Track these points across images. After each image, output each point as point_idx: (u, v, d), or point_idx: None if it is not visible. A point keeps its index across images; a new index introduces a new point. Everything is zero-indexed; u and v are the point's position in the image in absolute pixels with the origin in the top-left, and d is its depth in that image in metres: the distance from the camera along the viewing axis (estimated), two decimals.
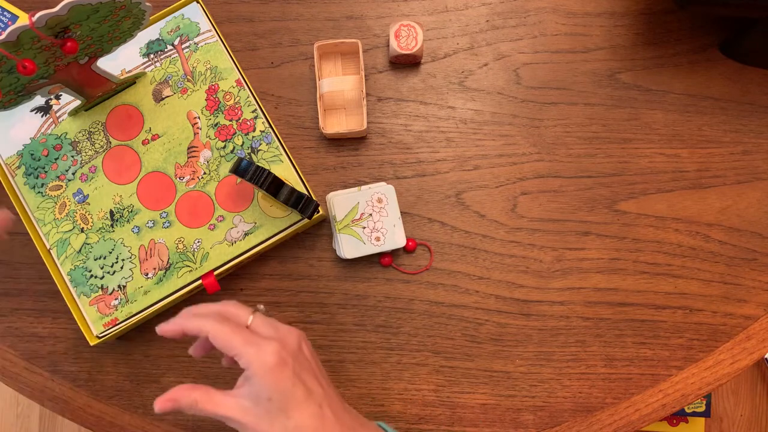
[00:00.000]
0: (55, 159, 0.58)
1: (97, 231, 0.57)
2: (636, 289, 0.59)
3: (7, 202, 0.60)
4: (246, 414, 0.41)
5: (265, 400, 0.41)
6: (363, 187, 0.58)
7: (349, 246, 0.57)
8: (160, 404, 0.41)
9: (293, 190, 0.52)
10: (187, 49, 0.59)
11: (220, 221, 0.57)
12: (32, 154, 0.58)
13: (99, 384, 0.60)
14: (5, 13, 0.60)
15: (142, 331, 0.60)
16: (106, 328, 0.56)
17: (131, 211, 0.57)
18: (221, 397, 0.42)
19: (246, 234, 0.57)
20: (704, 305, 0.59)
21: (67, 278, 0.57)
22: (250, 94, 0.59)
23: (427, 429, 0.59)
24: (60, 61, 0.48)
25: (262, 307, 0.47)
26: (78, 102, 0.57)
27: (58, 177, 0.58)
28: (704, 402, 1.17)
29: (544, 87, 0.61)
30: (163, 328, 0.44)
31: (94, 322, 0.57)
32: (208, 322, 0.42)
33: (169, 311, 0.59)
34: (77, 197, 0.57)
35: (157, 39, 0.59)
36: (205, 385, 0.43)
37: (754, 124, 0.60)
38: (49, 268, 0.57)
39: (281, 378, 0.41)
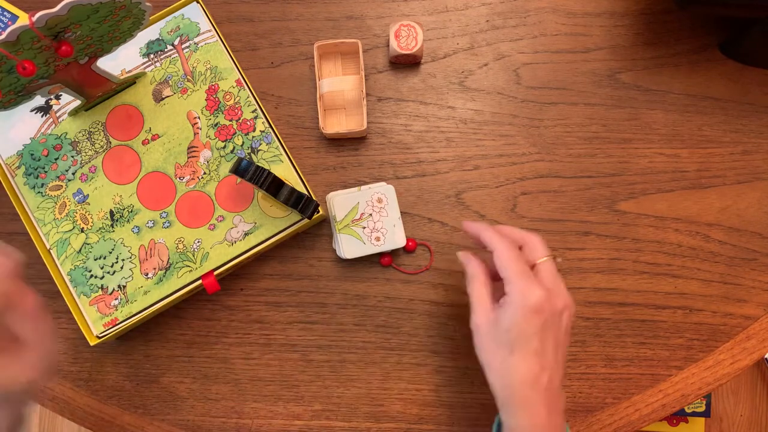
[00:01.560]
0: (55, 159, 0.58)
1: (97, 231, 0.57)
2: (636, 289, 0.59)
3: (7, 202, 0.60)
4: (486, 325, 0.44)
5: (504, 329, 0.43)
6: (363, 187, 0.58)
7: (349, 246, 0.57)
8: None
9: (293, 190, 0.52)
10: (187, 49, 0.59)
11: (220, 221, 0.57)
12: (32, 154, 0.58)
13: (99, 384, 0.60)
14: (5, 13, 0.60)
15: (142, 331, 0.60)
16: (106, 328, 0.56)
17: (131, 211, 0.57)
18: (486, 296, 0.46)
19: (246, 234, 0.57)
20: (704, 305, 0.59)
21: (67, 278, 0.57)
22: (250, 94, 0.59)
23: (427, 429, 0.59)
24: (60, 61, 0.48)
25: (560, 259, 0.48)
26: (78, 102, 0.57)
27: (58, 177, 0.58)
28: (704, 402, 1.17)
29: (544, 87, 0.61)
30: (469, 225, 0.49)
31: (94, 322, 0.57)
32: (499, 242, 0.45)
33: (169, 311, 0.59)
34: (77, 197, 0.57)
35: (157, 39, 0.59)
36: (489, 278, 0.46)
37: (754, 124, 0.60)
38: (49, 268, 0.57)
39: (528, 320, 0.43)
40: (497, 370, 0.44)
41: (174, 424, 0.59)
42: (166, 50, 0.59)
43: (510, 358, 0.43)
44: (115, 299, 0.57)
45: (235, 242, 0.57)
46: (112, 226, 0.57)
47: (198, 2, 0.59)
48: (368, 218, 0.57)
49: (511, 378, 0.43)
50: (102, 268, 0.57)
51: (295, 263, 0.60)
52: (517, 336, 0.43)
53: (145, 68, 0.59)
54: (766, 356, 1.20)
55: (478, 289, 0.46)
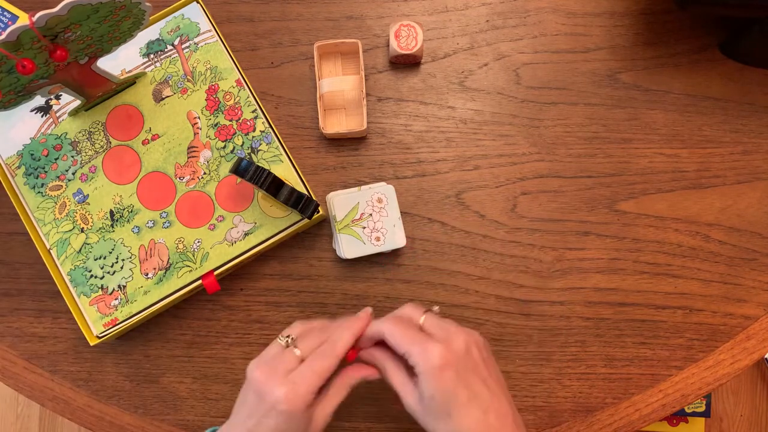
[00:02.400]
0: (55, 159, 0.58)
1: (97, 231, 0.57)
2: (636, 289, 0.59)
3: (7, 202, 0.60)
4: (417, 405, 0.44)
5: (429, 398, 0.43)
6: (363, 187, 0.58)
7: (349, 246, 0.57)
8: (366, 343, 0.48)
9: (293, 190, 0.52)
10: (187, 49, 0.59)
11: (220, 221, 0.57)
12: (32, 154, 0.58)
13: (99, 384, 0.60)
14: (5, 13, 0.60)
15: (142, 331, 0.60)
16: (106, 328, 0.56)
17: (131, 211, 0.57)
18: (405, 379, 0.45)
19: (246, 234, 0.57)
20: (704, 305, 0.59)
21: (67, 278, 0.57)
22: (250, 94, 0.59)
23: None
24: (59, 61, 0.48)
25: (436, 308, 0.49)
26: (78, 102, 0.57)
27: (58, 177, 0.58)
28: (704, 402, 1.17)
29: (544, 87, 0.61)
30: (361, 345, 0.48)
31: (94, 322, 0.57)
32: (384, 324, 0.46)
33: (169, 311, 0.59)
34: (77, 197, 0.57)
35: (157, 39, 0.59)
36: (397, 362, 0.46)
37: (754, 124, 0.60)
38: (49, 268, 0.57)
39: (443, 379, 0.42)
40: None
41: (174, 424, 0.59)
42: (166, 50, 0.59)
43: (451, 421, 0.42)
44: (115, 299, 0.57)
45: (235, 242, 0.57)
46: (112, 226, 0.57)
47: (198, 2, 0.59)
48: (368, 218, 0.57)
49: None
50: (102, 268, 0.57)
51: (295, 263, 0.60)
52: (443, 399, 0.42)
53: (145, 68, 0.59)
54: (766, 356, 1.20)
55: (395, 375, 0.46)
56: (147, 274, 0.57)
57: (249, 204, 0.57)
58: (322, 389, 0.45)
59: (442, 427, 0.43)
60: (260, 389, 0.44)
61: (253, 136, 0.58)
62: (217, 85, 0.58)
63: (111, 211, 0.57)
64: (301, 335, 0.48)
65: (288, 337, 0.47)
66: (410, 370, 0.45)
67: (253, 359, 0.46)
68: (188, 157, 0.58)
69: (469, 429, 0.42)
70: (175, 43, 0.59)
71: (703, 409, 1.17)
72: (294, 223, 0.57)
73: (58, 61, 0.45)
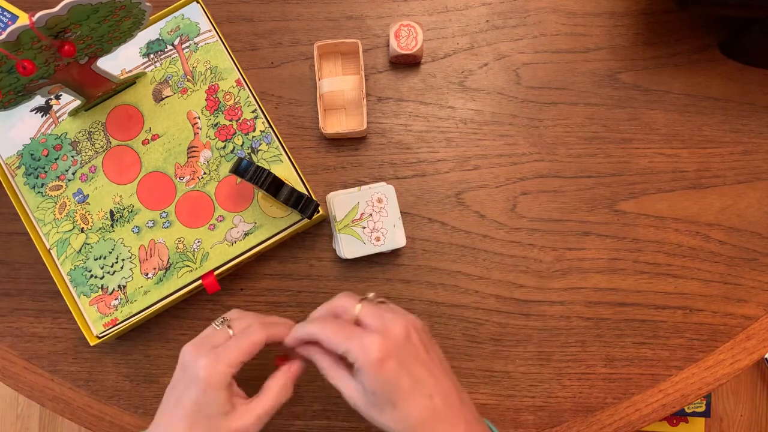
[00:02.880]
0: (55, 159, 0.58)
1: (97, 231, 0.57)
2: (636, 289, 0.59)
3: (7, 202, 0.60)
4: (360, 399, 0.43)
5: (371, 393, 0.42)
6: (363, 187, 0.58)
7: (349, 246, 0.57)
8: (294, 342, 0.46)
9: (293, 190, 0.52)
10: (187, 49, 0.59)
11: (220, 221, 0.57)
12: (32, 154, 0.58)
13: (99, 384, 0.60)
14: (5, 13, 0.60)
15: (142, 331, 0.60)
16: (106, 328, 0.56)
17: (131, 211, 0.57)
18: (345, 375, 0.44)
19: (246, 234, 0.57)
20: (704, 305, 0.59)
21: (67, 278, 0.57)
22: (250, 94, 0.59)
23: None
24: (60, 61, 0.48)
25: (371, 294, 0.47)
26: (78, 102, 0.57)
27: (58, 177, 0.58)
28: (704, 402, 1.17)
29: (544, 87, 0.61)
30: (288, 343, 0.47)
31: (94, 322, 0.57)
32: (315, 327, 0.45)
33: (169, 311, 0.59)
34: (77, 197, 0.57)
35: (157, 39, 0.59)
36: (334, 358, 0.45)
37: (754, 124, 0.60)
38: (49, 268, 0.57)
39: (383, 371, 0.41)
40: (396, 429, 0.42)
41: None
42: (166, 50, 0.59)
43: (396, 411, 0.42)
44: (115, 299, 0.57)
45: (235, 242, 0.57)
46: (112, 226, 0.57)
47: (198, 2, 0.59)
48: (368, 218, 0.57)
49: (409, 426, 0.42)
50: (102, 268, 0.57)
51: (295, 263, 0.60)
52: (386, 390, 0.41)
53: (145, 68, 0.59)
54: (766, 356, 1.20)
55: (333, 372, 0.45)
56: (147, 274, 0.57)
57: (249, 204, 0.57)
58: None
59: (387, 417, 0.42)
60: (186, 361, 0.45)
61: (253, 136, 0.58)
62: (217, 85, 0.58)
63: (111, 211, 0.57)
64: (236, 318, 0.48)
65: (223, 318, 0.48)
66: (348, 363, 0.44)
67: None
68: (188, 157, 0.58)
69: (415, 416, 0.42)
70: (175, 43, 0.59)
71: (703, 409, 1.17)
72: (294, 223, 0.57)
73: (67, 56, 0.45)
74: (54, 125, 0.58)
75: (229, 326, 0.47)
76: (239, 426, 0.44)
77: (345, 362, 0.44)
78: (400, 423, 0.42)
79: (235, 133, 0.58)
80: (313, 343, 0.46)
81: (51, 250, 0.57)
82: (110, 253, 0.57)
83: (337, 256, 0.59)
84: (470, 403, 0.45)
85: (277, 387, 0.46)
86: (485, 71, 0.61)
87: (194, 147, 0.58)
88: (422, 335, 0.45)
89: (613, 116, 0.60)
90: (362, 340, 0.42)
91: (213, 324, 0.48)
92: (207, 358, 0.44)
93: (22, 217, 0.57)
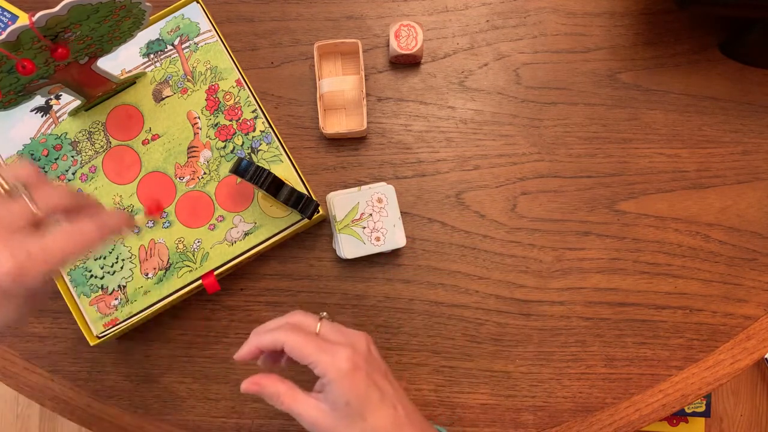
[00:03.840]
0: (55, 159, 0.58)
1: None
2: (636, 289, 0.59)
3: None
4: (325, 417, 0.42)
5: (343, 405, 0.41)
6: (363, 187, 0.58)
7: (349, 246, 0.57)
8: (246, 385, 0.43)
9: (293, 190, 0.52)
10: (187, 49, 0.59)
11: (220, 221, 0.57)
12: (32, 154, 0.58)
13: (99, 384, 0.60)
14: (5, 13, 0.60)
15: (142, 331, 0.60)
16: (106, 328, 0.56)
17: (131, 211, 0.57)
18: (303, 396, 0.43)
19: (246, 234, 0.57)
20: (704, 305, 0.59)
21: (67, 278, 0.57)
22: (250, 94, 0.59)
23: None
24: (60, 61, 0.48)
25: (325, 314, 0.47)
26: (78, 102, 0.57)
27: (58, 177, 0.58)
28: (704, 402, 1.17)
29: (544, 87, 0.61)
30: (240, 355, 0.45)
31: (94, 322, 0.57)
32: (282, 334, 0.43)
33: (169, 311, 0.59)
34: None
35: (157, 39, 0.59)
36: (291, 382, 0.44)
37: (754, 124, 0.60)
38: None
39: (356, 382, 0.42)
40: None
41: (174, 424, 0.59)
42: (166, 50, 0.59)
43: (366, 423, 0.42)
44: (115, 299, 0.57)
45: (235, 242, 0.57)
46: None
47: (198, 2, 0.59)
48: (368, 218, 0.57)
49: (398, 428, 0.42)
50: (102, 268, 0.57)
51: (295, 263, 0.60)
52: (358, 402, 0.42)
53: (145, 68, 0.59)
54: (766, 356, 1.20)
55: (292, 398, 0.43)
56: (147, 274, 0.57)
57: (249, 204, 0.57)
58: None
59: (357, 430, 0.42)
60: None
61: (253, 136, 0.58)
62: (217, 85, 0.58)
63: None
64: (32, 184, 0.37)
65: (14, 184, 0.37)
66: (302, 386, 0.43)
67: None
68: (188, 157, 0.58)
69: (383, 427, 0.42)
70: (175, 43, 0.59)
71: (703, 409, 1.17)
72: (294, 223, 0.57)
73: (60, 59, 0.45)
74: (54, 125, 0.58)
75: (29, 198, 0.35)
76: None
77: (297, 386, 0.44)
78: None
79: (235, 133, 0.58)
80: (258, 376, 0.44)
81: None
82: (110, 253, 0.57)
83: (337, 256, 0.59)
84: (419, 412, 0.47)
85: (81, 242, 0.37)
86: (485, 71, 0.61)
87: (194, 147, 0.58)
88: (376, 349, 0.46)
89: (613, 116, 0.60)
90: (332, 353, 0.42)
91: None
92: (13, 260, 0.33)
93: None
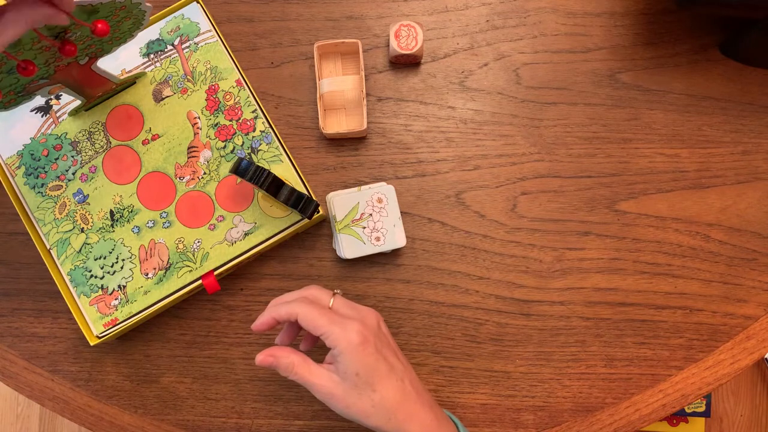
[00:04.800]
0: (55, 159, 0.58)
1: (97, 231, 0.57)
2: (636, 289, 0.59)
3: (7, 202, 0.60)
4: (336, 386, 0.45)
5: (353, 375, 0.44)
6: (363, 187, 0.58)
7: (349, 246, 0.57)
8: (262, 357, 0.46)
9: (293, 190, 0.52)
10: (187, 49, 0.59)
11: (220, 221, 0.57)
12: (32, 154, 0.58)
13: (99, 384, 0.60)
14: None
15: (142, 331, 0.60)
16: (106, 328, 0.56)
17: (131, 211, 0.57)
18: (316, 367, 0.46)
19: (246, 234, 0.57)
20: (704, 305, 0.59)
21: (67, 278, 0.57)
22: (250, 94, 0.59)
23: None
24: (60, 61, 0.48)
25: (338, 291, 0.50)
26: (78, 102, 0.57)
27: (58, 177, 0.58)
28: (704, 402, 1.17)
29: (544, 87, 0.61)
30: (257, 325, 0.48)
31: (94, 322, 0.57)
32: (296, 306, 0.46)
33: (169, 311, 0.59)
34: (77, 197, 0.57)
35: (157, 39, 0.59)
36: (304, 354, 0.47)
37: (754, 124, 0.60)
38: (49, 268, 0.57)
39: (366, 354, 0.44)
40: (374, 413, 0.45)
41: (174, 424, 0.59)
42: (166, 50, 0.59)
43: (375, 394, 0.44)
44: (115, 299, 0.57)
45: (235, 242, 0.57)
46: (112, 226, 0.57)
47: (198, 2, 0.59)
48: (368, 218, 0.57)
49: (387, 409, 0.45)
50: (102, 268, 0.57)
51: (295, 263, 0.60)
52: (367, 372, 0.44)
53: (145, 68, 0.59)
54: (766, 356, 1.20)
55: (306, 369, 0.46)
56: (147, 274, 0.57)
57: (249, 204, 0.57)
58: None
59: (366, 401, 0.44)
60: None
61: (253, 136, 0.58)
62: (217, 85, 0.58)
63: (111, 211, 0.57)
64: None
65: None
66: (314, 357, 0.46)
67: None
68: (188, 157, 0.58)
69: (392, 398, 0.45)
70: (175, 43, 0.59)
71: (703, 409, 1.17)
72: (294, 223, 0.57)
73: (68, 56, 0.45)
74: (54, 125, 0.58)
75: None
76: None
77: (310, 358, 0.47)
78: (379, 405, 0.44)
79: (235, 133, 0.58)
80: (272, 349, 0.47)
81: (51, 250, 0.57)
82: (110, 253, 0.57)
83: (337, 256, 0.59)
84: (427, 391, 0.49)
85: (23, 21, 0.38)
86: (485, 71, 0.61)
87: (194, 147, 0.58)
88: (386, 326, 0.49)
89: (613, 116, 0.60)
90: (344, 325, 0.44)
91: None
92: None
93: (22, 217, 0.57)
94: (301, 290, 0.50)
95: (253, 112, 0.58)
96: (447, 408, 0.59)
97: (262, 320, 0.48)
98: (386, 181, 0.60)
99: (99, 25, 0.45)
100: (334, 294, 0.49)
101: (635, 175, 0.60)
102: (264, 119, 0.58)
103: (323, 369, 0.46)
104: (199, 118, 0.58)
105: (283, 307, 0.47)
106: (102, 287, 0.57)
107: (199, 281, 0.57)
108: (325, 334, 0.45)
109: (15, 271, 0.60)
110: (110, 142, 0.58)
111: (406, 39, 0.58)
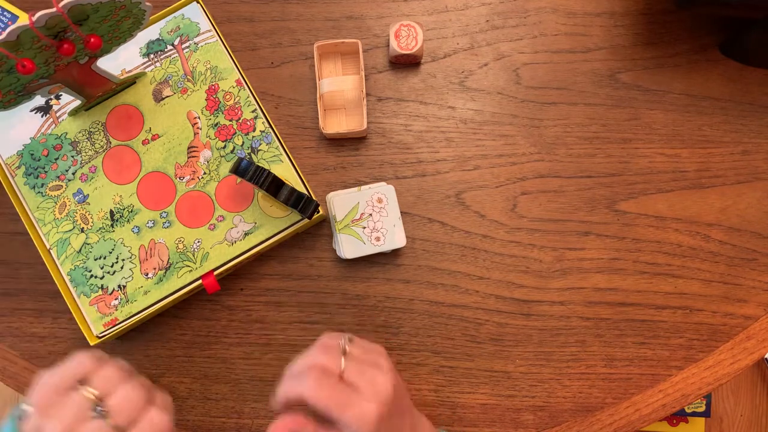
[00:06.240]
0: (55, 159, 0.58)
1: (97, 231, 0.57)
2: (636, 289, 0.59)
3: (7, 202, 0.60)
4: None
5: None
6: (363, 187, 0.58)
7: (349, 246, 0.57)
8: (283, 404, 0.43)
9: (293, 190, 0.52)
10: (187, 49, 0.59)
11: (220, 221, 0.57)
12: (32, 154, 0.58)
13: None
14: (5, 13, 0.60)
15: (142, 331, 0.60)
16: (106, 328, 0.56)
17: (131, 211, 0.57)
18: None
19: (246, 234, 0.57)
20: (704, 305, 0.59)
21: (67, 278, 0.57)
22: (250, 94, 0.59)
23: None
24: (60, 61, 0.48)
25: (345, 341, 0.45)
26: (78, 102, 0.57)
27: (58, 177, 0.58)
28: (704, 402, 1.17)
29: (544, 87, 0.61)
30: (277, 406, 0.43)
31: (94, 322, 0.57)
32: (306, 389, 0.41)
33: (169, 311, 0.59)
34: (77, 197, 0.57)
35: (157, 39, 0.59)
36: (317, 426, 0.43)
37: (754, 124, 0.60)
38: (49, 268, 0.57)
39: None
40: None
41: (174, 424, 0.59)
42: (166, 50, 0.59)
43: None
44: (115, 299, 0.57)
45: (235, 242, 0.57)
46: (112, 226, 0.57)
47: (198, 2, 0.59)
48: (368, 218, 0.57)
49: None
50: (102, 268, 0.57)
51: (295, 263, 0.60)
52: None
53: (145, 68, 0.59)
54: (766, 356, 1.20)
55: None
56: (147, 274, 0.57)
57: (249, 204, 0.57)
58: None
59: None
60: None
61: (253, 136, 0.58)
62: (217, 85, 0.58)
63: (111, 211, 0.57)
64: (106, 391, 0.40)
65: (92, 394, 0.40)
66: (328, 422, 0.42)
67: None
68: (188, 157, 0.58)
69: None
70: (175, 43, 0.59)
71: (703, 409, 1.18)
72: (294, 223, 0.57)
73: (66, 54, 0.45)
74: (54, 125, 0.58)
75: (104, 414, 0.40)
76: None
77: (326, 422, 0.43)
78: None
79: (235, 133, 0.58)
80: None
81: (51, 250, 0.57)
82: (110, 253, 0.57)
83: (337, 256, 0.59)
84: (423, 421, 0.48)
85: None
86: (485, 71, 0.61)
87: (194, 147, 0.58)
88: (397, 379, 0.45)
89: (613, 116, 0.60)
90: (360, 409, 0.41)
91: (80, 394, 0.40)
92: None
93: (22, 217, 0.57)
94: (312, 353, 0.45)
95: (253, 112, 0.58)
96: (447, 407, 0.59)
97: (280, 405, 0.43)
98: (386, 181, 0.60)
99: (92, 39, 0.45)
100: (343, 354, 0.44)
101: (635, 175, 0.60)
102: (264, 119, 0.58)
103: None
104: (199, 118, 0.58)
105: (292, 390, 0.42)
106: (102, 287, 0.57)
107: (199, 281, 0.57)
108: (335, 418, 0.41)
109: (15, 271, 0.60)
110: (110, 142, 0.58)
111: (406, 39, 0.58)
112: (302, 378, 0.42)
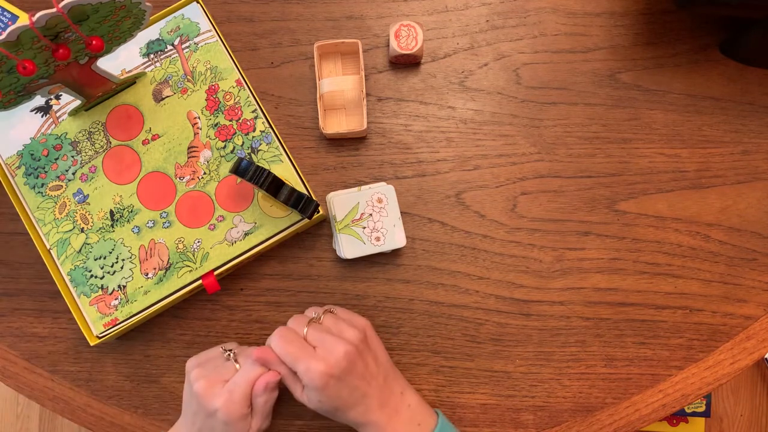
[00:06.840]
0: (55, 159, 0.58)
1: (97, 231, 0.57)
2: (636, 289, 0.59)
3: (7, 202, 0.60)
4: (309, 403, 0.50)
5: (317, 404, 0.49)
6: (363, 187, 0.58)
7: (349, 246, 0.57)
8: (259, 353, 0.51)
9: (293, 190, 0.52)
10: (187, 49, 0.59)
11: (220, 221, 0.57)
12: (32, 154, 0.58)
13: (99, 384, 0.60)
14: (5, 13, 0.60)
15: (142, 331, 0.60)
16: (106, 328, 0.56)
17: (131, 211, 0.57)
18: (300, 384, 0.50)
19: (246, 234, 0.57)
20: (704, 305, 0.59)
21: (67, 278, 0.57)
22: (250, 94, 0.59)
23: None
24: (59, 61, 0.48)
25: (314, 314, 0.53)
26: (78, 102, 0.57)
27: (58, 177, 0.58)
28: (704, 402, 1.17)
29: (544, 87, 0.61)
30: (259, 356, 0.51)
31: (94, 322, 0.57)
32: (272, 340, 0.50)
33: (169, 311, 0.59)
34: (77, 197, 0.57)
35: (157, 39, 0.59)
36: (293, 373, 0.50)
37: (754, 124, 0.60)
38: (49, 268, 0.57)
39: (327, 389, 0.48)
40: (351, 424, 0.51)
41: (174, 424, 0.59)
42: (166, 50, 0.59)
43: (342, 415, 0.49)
44: (115, 299, 0.57)
45: (235, 242, 0.57)
46: (112, 226, 0.57)
47: (198, 2, 0.59)
48: (368, 218, 0.57)
49: (362, 425, 0.50)
50: (102, 268, 0.57)
51: (295, 263, 0.60)
52: (330, 403, 0.49)
53: (145, 68, 0.59)
54: (766, 356, 1.20)
55: (290, 380, 0.51)
56: (147, 274, 0.57)
57: (249, 204, 0.57)
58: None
59: (339, 418, 0.50)
60: (202, 399, 0.49)
61: (253, 136, 0.58)
62: (217, 85, 0.58)
63: (111, 211, 0.57)
64: (239, 353, 0.53)
65: (230, 351, 0.53)
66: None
67: (193, 357, 0.53)
68: (188, 157, 0.58)
69: (355, 418, 0.49)
70: (175, 43, 0.59)
71: (703, 409, 1.17)
72: (294, 223, 0.57)
73: (61, 59, 0.45)
74: (54, 125, 0.58)
75: (235, 360, 0.52)
76: None
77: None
78: (351, 423, 0.50)
79: (235, 133, 0.58)
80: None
81: (51, 250, 0.57)
82: (110, 253, 0.57)
83: (337, 256, 0.59)
84: (402, 382, 0.53)
85: (262, 404, 0.51)
86: (485, 71, 0.61)
87: (194, 147, 0.58)
88: (360, 346, 0.50)
89: (613, 116, 0.60)
90: (308, 364, 0.48)
91: (219, 349, 0.54)
92: (222, 397, 0.49)
93: (22, 217, 0.57)
94: (292, 319, 0.53)
95: (253, 112, 0.58)
96: (447, 407, 0.59)
97: (261, 353, 0.51)
98: (386, 181, 0.60)
99: (94, 42, 0.45)
100: (306, 324, 0.51)
101: (635, 175, 0.60)
102: (264, 119, 0.58)
103: (302, 387, 0.50)
104: (199, 118, 0.58)
105: (258, 351, 0.51)
106: (102, 287, 0.57)
107: (199, 281, 0.57)
108: (294, 369, 0.49)
109: (15, 271, 0.60)
110: (110, 142, 0.58)
111: (406, 39, 0.58)
112: (272, 336, 0.51)
